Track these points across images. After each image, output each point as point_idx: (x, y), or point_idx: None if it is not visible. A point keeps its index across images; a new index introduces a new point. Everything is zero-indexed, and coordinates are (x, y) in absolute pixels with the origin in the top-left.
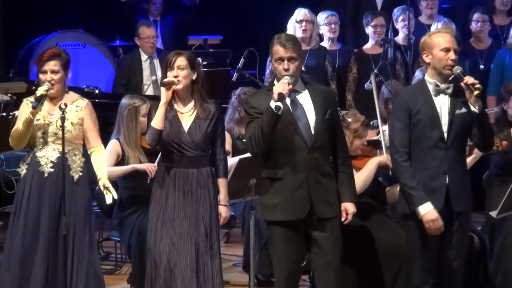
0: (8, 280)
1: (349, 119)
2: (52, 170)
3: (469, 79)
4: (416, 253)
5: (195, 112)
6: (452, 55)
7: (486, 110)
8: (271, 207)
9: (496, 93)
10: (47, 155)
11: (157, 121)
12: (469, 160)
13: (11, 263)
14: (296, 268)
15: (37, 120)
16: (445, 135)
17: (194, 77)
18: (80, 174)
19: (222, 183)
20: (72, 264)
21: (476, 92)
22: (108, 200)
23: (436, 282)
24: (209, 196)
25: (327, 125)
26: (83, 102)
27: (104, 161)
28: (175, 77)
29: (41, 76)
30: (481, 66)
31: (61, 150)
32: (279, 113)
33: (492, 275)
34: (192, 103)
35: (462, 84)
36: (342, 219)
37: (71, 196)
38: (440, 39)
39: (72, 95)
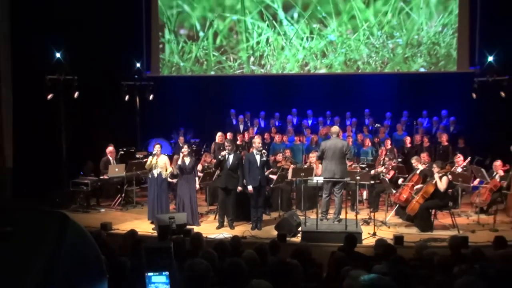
0: (150, 200)
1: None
2: (156, 175)
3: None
4: (252, 195)
5: (189, 160)
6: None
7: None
8: (219, 182)
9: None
10: (155, 172)
11: (180, 162)
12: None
13: (149, 197)
14: (226, 201)
15: (152, 161)
16: (259, 165)
17: (189, 150)
18: (164, 177)
19: (196, 178)
20: (162, 198)
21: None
22: (169, 180)
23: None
24: (193, 181)
25: (236, 164)
26: (165, 157)
27: (170, 171)
28: (184, 151)
29: (154, 150)
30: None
31: (158, 170)
32: (221, 159)
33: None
34: (189, 157)
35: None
36: (237, 190)
37: (160, 182)
38: (256, 140)
39: (163, 156)
